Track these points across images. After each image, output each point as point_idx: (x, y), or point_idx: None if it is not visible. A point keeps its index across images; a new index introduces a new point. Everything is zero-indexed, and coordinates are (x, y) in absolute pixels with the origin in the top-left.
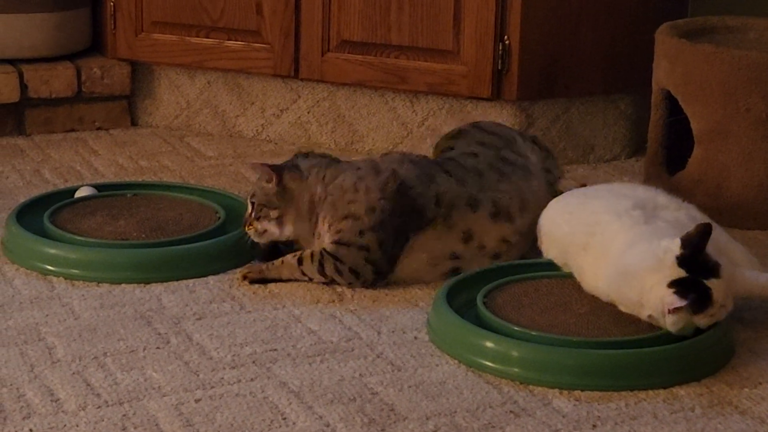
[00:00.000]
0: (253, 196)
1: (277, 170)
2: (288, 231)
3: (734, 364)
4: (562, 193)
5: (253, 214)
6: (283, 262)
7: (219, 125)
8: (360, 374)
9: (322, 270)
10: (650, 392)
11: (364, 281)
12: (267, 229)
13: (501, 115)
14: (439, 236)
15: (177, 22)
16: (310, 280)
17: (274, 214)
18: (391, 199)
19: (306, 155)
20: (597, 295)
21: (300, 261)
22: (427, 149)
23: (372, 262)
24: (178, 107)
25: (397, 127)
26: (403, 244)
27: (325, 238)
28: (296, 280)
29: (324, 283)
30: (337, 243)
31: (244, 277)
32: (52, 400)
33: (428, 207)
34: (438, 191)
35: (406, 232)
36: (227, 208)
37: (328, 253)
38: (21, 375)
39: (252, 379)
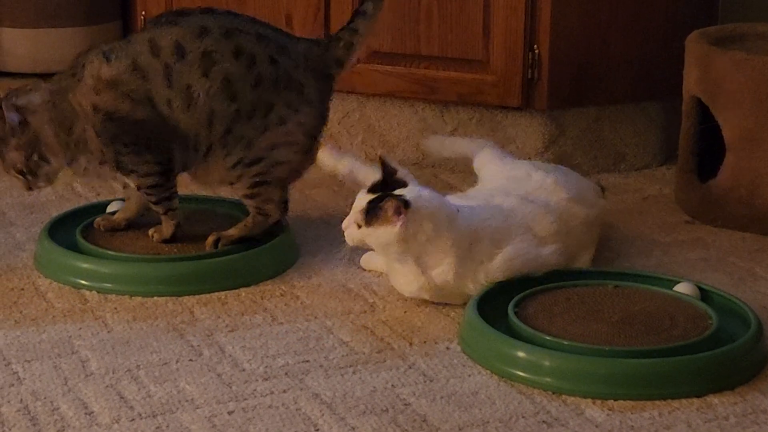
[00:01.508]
0: None
1: None
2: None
3: None
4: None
5: None
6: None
7: None
8: (392, 385)
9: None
10: (684, 401)
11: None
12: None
13: (531, 124)
14: None
15: None
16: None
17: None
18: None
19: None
20: None
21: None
22: (457, 159)
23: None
24: None
25: (427, 138)
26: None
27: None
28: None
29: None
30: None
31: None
32: (86, 413)
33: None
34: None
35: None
36: None
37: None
38: (55, 388)
39: (284, 391)
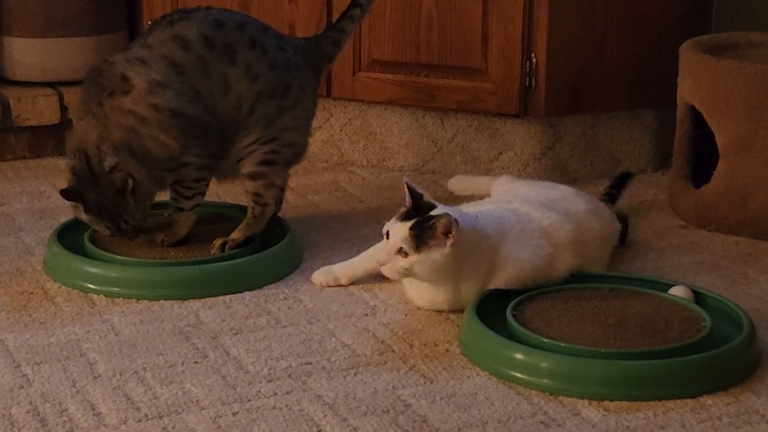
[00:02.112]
0: None
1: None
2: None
3: (761, 374)
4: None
5: None
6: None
7: None
8: (393, 386)
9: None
10: (678, 402)
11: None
12: None
13: (529, 131)
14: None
15: None
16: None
17: None
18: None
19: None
20: None
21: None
22: (457, 165)
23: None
24: None
25: (427, 144)
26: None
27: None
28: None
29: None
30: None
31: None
32: (93, 415)
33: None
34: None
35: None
36: None
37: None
38: (63, 390)
39: (288, 392)
